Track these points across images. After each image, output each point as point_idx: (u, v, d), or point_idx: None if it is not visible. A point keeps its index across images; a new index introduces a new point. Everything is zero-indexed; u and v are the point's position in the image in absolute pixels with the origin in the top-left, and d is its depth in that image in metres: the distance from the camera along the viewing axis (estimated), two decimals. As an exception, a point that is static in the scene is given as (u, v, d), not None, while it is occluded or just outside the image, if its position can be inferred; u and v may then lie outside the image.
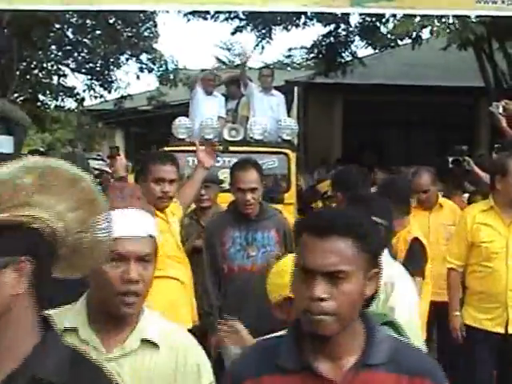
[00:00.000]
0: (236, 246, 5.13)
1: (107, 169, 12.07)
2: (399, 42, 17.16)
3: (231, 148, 8.68)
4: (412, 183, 6.21)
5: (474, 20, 10.32)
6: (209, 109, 9.56)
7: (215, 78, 10.05)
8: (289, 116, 10.47)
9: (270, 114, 9.55)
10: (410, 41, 13.66)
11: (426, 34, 12.51)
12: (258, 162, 5.39)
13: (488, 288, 5.22)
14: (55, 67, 20.51)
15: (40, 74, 20.40)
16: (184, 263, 4.97)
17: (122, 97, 21.05)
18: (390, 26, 15.05)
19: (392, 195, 5.24)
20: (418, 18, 10.65)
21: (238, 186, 5.13)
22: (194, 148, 8.62)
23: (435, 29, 10.38)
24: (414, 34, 12.35)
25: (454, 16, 9.51)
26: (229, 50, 33.46)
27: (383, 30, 16.24)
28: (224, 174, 8.17)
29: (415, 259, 5.02)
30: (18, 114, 8.72)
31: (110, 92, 20.93)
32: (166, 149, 8.32)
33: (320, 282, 1.90)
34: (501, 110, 6.82)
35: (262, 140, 9.00)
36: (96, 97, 21.19)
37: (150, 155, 5.82)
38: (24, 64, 19.04)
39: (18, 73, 18.32)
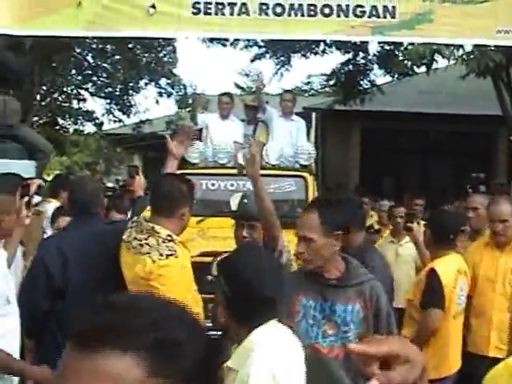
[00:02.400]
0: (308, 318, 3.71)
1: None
2: (416, 70, 17.24)
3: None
4: (488, 211, 5.56)
5: (492, 48, 10.36)
6: (224, 133, 9.31)
7: (232, 101, 9.81)
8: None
9: (289, 139, 9.31)
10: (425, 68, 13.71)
11: (441, 62, 12.58)
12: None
13: None
14: (75, 91, 20.71)
15: (60, 98, 20.59)
16: None
17: (141, 121, 21.22)
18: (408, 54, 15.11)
19: (435, 229, 5.27)
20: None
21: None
22: (207, 171, 8.76)
23: (448, 53, 10.40)
24: (428, 59, 12.37)
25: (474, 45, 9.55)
26: (247, 75, 33.60)
27: (401, 57, 16.31)
28: (237, 199, 8.08)
29: (433, 291, 4.86)
30: (40, 140, 8.85)
31: (128, 116, 21.13)
32: (178, 172, 8.32)
33: None
34: None
35: (279, 165, 8.72)
36: (115, 121, 21.39)
37: None
38: (44, 88, 19.22)
39: (38, 97, 18.50)
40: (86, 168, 28.29)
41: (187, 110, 19.36)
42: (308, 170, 8.86)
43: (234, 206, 5.24)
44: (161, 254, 3.99)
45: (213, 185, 8.48)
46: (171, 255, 3.95)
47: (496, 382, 2.58)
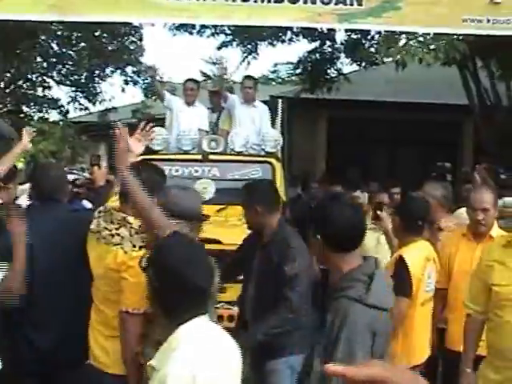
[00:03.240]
0: None
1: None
2: (384, 59, 17.26)
3: (211, 157, 8.41)
4: (469, 199, 5.44)
5: (458, 38, 10.38)
6: (188, 119, 9.26)
7: (197, 88, 9.68)
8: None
9: (252, 126, 9.23)
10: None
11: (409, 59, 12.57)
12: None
13: (498, 342, 4.23)
14: (40, 79, 20.47)
15: (24, 86, 20.35)
16: None
17: (107, 109, 21.04)
18: (375, 43, 15.11)
19: (402, 216, 5.24)
20: (401, 43, 10.73)
21: None
22: (169, 157, 8.45)
23: (420, 56, 10.39)
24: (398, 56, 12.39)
25: (440, 34, 9.54)
26: (214, 63, 33.43)
27: (368, 46, 16.30)
28: (203, 185, 8.04)
29: (401, 279, 4.77)
30: (3, 128, 8.75)
31: (94, 104, 20.94)
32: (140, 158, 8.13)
33: None
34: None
35: (243, 153, 8.63)
36: (80, 109, 21.21)
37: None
38: (8, 75, 18.98)
39: (2, 84, 18.26)
40: (51, 156, 28.01)
41: (153, 98, 19.27)
42: (275, 157, 8.72)
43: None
44: (134, 246, 3.94)
45: (176, 171, 8.30)
46: (145, 247, 3.88)
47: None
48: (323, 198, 3.81)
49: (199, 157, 8.45)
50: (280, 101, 12.64)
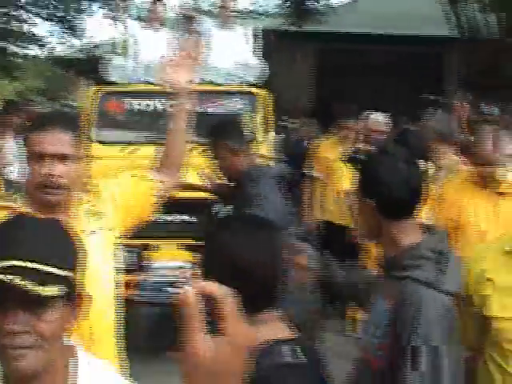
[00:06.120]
0: None
1: None
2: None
3: None
4: (482, 147, 4.25)
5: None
6: (152, 46, 7.71)
7: (164, 9, 8.31)
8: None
9: (230, 52, 7.98)
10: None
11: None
12: None
13: None
14: (24, 15, 20.26)
15: (8, 22, 20.15)
16: None
17: (92, 45, 20.89)
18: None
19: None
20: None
21: None
22: (136, 89, 7.30)
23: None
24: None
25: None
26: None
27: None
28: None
29: None
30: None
31: (80, 40, 20.78)
32: (95, 88, 7.58)
33: None
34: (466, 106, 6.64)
35: (222, 83, 7.65)
36: (65, 44, 21.03)
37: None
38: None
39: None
40: (37, 93, 27.86)
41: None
42: (262, 88, 7.88)
43: None
44: None
45: (146, 106, 7.63)
46: None
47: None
48: (373, 153, 3.07)
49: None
50: (265, 34, 12.57)
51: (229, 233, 2.12)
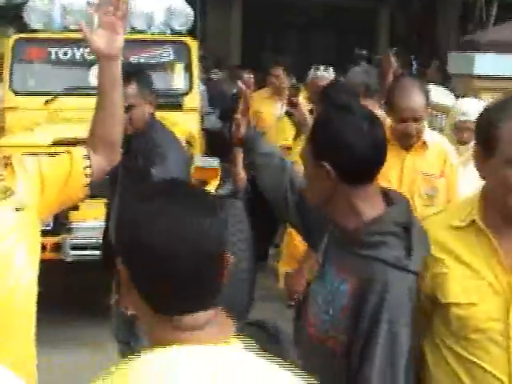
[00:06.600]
0: None
1: None
2: None
3: None
4: (395, 104, 4.06)
5: None
6: None
7: None
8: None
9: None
10: None
11: None
12: None
13: None
14: None
15: None
16: None
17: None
18: None
19: None
20: None
21: None
22: (54, 36, 6.86)
23: None
24: None
25: None
26: None
27: None
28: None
29: None
30: None
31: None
32: (17, 37, 7.14)
33: None
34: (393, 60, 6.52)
35: (147, 31, 7.26)
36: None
37: None
38: None
39: None
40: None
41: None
42: (190, 36, 7.55)
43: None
44: None
45: (65, 54, 7.18)
46: None
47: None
48: (328, 110, 2.51)
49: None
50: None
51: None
